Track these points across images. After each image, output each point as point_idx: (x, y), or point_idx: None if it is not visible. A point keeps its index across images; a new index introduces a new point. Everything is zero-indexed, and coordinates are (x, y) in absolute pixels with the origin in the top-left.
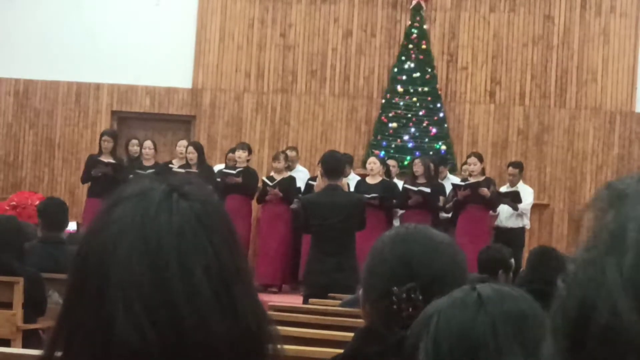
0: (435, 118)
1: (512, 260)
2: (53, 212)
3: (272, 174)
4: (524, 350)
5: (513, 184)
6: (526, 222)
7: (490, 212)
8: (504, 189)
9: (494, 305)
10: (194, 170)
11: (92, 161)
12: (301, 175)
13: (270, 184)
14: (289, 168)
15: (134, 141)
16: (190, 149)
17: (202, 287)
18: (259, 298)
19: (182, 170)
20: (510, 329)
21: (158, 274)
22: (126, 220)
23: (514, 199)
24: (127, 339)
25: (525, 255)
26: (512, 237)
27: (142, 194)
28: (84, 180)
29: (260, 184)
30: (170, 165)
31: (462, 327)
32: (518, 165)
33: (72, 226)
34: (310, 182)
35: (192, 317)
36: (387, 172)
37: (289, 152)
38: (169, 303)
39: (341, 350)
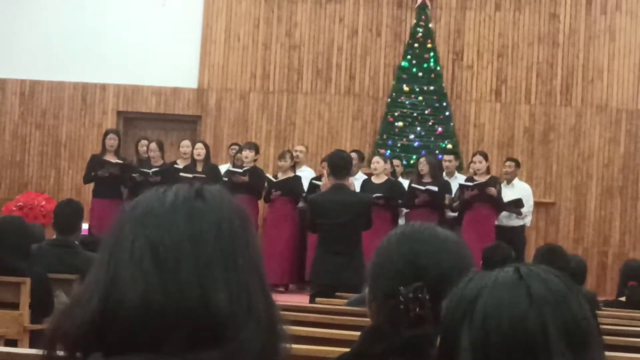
0: (441, 117)
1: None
2: (66, 215)
3: (278, 174)
4: (572, 350)
5: (509, 180)
6: (527, 220)
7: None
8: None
9: (545, 300)
10: (199, 169)
11: (97, 161)
12: (307, 175)
13: (274, 181)
14: (299, 164)
15: (144, 142)
16: (200, 145)
17: (209, 247)
18: (272, 299)
19: (189, 175)
20: (562, 327)
21: (167, 219)
22: (151, 193)
23: (516, 205)
24: (129, 279)
25: (527, 253)
26: (513, 236)
27: (174, 187)
28: (86, 181)
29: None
30: (175, 166)
31: (513, 320)
32: (514, 161)
33: (84, 227)
34: (314, 181)
35: (193, 263)
36: (393, 172)
37: (299, 148)
38: (174, 243)
39: (347, 349)
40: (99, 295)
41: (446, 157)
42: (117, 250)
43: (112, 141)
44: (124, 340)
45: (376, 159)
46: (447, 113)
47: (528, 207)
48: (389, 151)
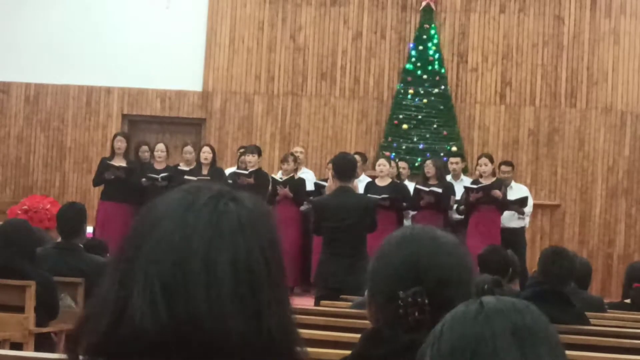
0: (446, 119)
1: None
2: (69, 218)
3: (280, 176)
4: (523, 353)
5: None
6: (526, 222)
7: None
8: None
9: (496, 310)
10: (205, 172)
11: (105, 165)
12: (307, 177)
13: (280, 181)
14: (298, 165)
15: (144, 147)
16: (207, 149)
17: (224, 282)
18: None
19: (194, 178)
20: (511, 336)
21: (183, 259)
22: (172, 205)
23: (521, 204)
24: (139, 314)
25: (528, 255)
26: (514, 237)
27: (196, 189)
28: (95, 183)
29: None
30: (179, 168)
31: (463, 327)
32: (510, 164)
33: (89, 230)
34: (320, 182)
35: (208, 306)
36: (399, 174)
37: (298, 149)
38: (187, 287)
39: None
40: (108, 320)
41: (452, 159)
42: (129, 278)
43: (120, 143)
44: (137, 355)
45: (382, 161)
46: (451, 115)
47: (528, 208)
48: (393, 154)
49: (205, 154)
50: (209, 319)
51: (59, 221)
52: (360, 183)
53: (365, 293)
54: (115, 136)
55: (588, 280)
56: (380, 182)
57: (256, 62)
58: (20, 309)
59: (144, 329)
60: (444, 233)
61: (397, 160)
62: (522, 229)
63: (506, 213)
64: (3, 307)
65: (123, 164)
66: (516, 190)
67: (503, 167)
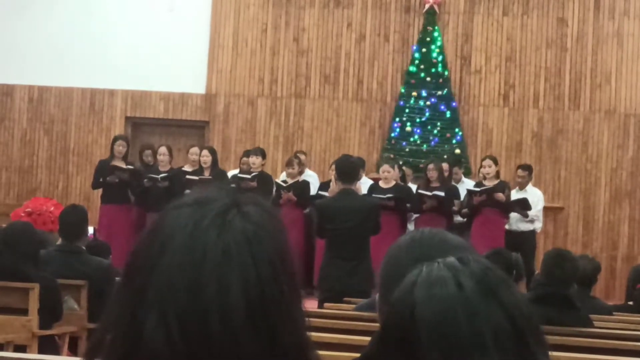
0: (449, 122)
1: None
2: (71, 221)
3: (285, 179)
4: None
5: (522, 186)
6: (537, 226)
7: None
8: (513, 192)
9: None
10: (207, 174)
11: (106, 167)
12: (311, 180)
13: (284, 186)
14: (300, 172)
15: (148, 152)
16: (205, 152)
17: (237, 307)
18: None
19: (196, 178)
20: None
21: (195, 286)
22: (179, 226)
23: (522, 206)
24: (155, 343)
25: (539, 258)
26: (523, 241)
27: (202, 203)
28: (94, 186)
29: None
30: (182, 170)
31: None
32: (527, 168)
33: (90, 231)
34: (320, 192)
35: (222, 333)
36: (402, 178)
37: (299, 156)
38: (202, 315)
39: (356, 355)
40: (122, 346)
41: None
42: (142, 303)
43: (120, 148)
44: None
45: (385, 167)
46: (455, 118)
47: (535, 211)
48: (397, 156)
49: (204, 157)
50: (223, 343)
51: (61, 224)
52: (363, 185)
53: (376, 296)
54: (116, 140)
55: (592, 280)
56: (384, 184)
57: (259, 65)
58: (24, 312)
59: (159, 354)
60: (454, 236)
61: (399, 162)
62: (532, 232)
63: (515, 215)
64: (7, 310)
65: (123, 166)
66: (530, 194)
67: (519, 172)
